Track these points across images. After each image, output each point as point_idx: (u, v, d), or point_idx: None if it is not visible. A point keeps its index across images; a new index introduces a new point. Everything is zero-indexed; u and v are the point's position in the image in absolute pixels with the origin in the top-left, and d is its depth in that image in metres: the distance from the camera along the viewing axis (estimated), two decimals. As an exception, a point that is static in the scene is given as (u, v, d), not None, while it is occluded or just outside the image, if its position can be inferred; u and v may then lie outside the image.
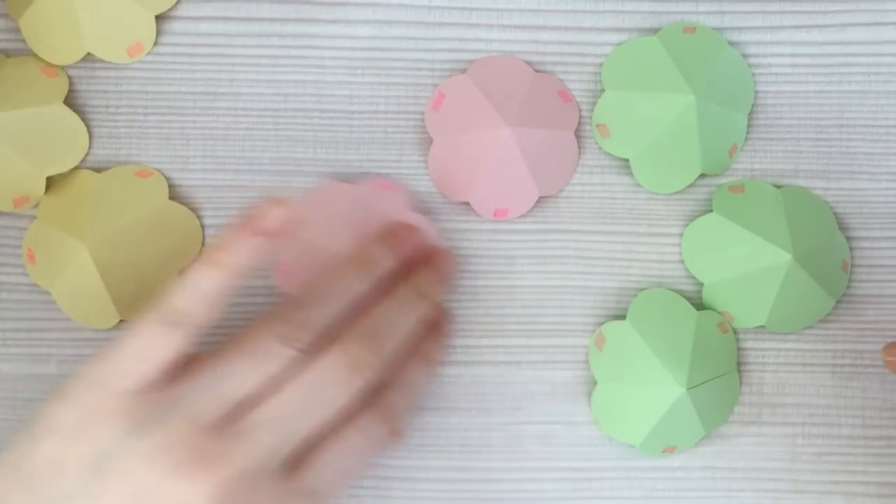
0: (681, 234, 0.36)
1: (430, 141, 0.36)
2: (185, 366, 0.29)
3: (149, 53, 0.36)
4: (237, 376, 0.29)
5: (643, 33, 0.36)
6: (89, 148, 0.36)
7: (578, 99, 0.36)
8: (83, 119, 0.36)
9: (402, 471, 0.36)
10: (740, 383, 0.36)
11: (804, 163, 0.37)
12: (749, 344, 0.36)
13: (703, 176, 0.36)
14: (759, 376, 0.36)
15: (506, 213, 0.36)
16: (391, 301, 0.32)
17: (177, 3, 0.36)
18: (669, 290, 0.36)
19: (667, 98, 0.35)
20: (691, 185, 0.36)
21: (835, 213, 0.36)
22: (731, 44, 0.36)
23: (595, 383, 0.35)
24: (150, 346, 0.29)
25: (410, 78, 0.36)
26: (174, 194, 0.36)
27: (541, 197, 0.36)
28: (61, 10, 0.35)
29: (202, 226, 0.36)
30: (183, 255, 0.35)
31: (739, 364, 0.36)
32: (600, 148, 0.36)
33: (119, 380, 0.28)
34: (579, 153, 0.36)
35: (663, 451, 0.35)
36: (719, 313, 0.36)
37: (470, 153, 0.35)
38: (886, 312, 0.36)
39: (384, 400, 0.32)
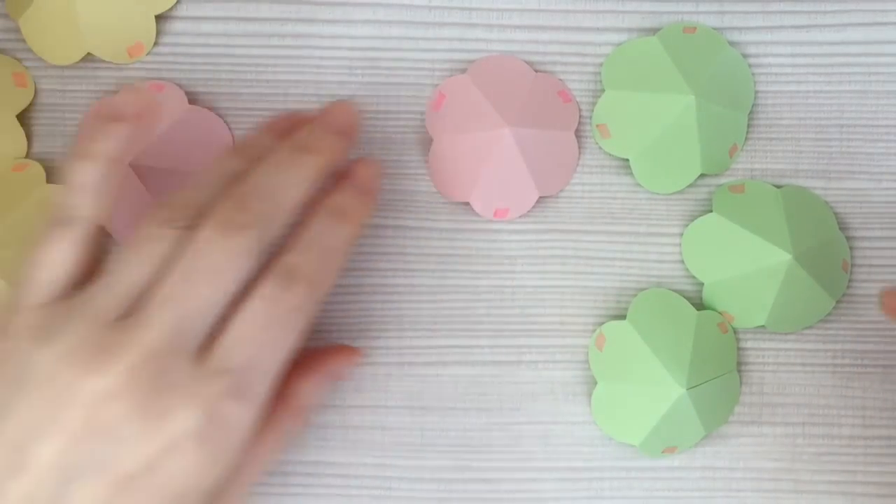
0: (681, 234, 0.36)
1: (430, 141, 0.36)
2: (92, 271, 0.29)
3: (149, 53, 0.36)
4: (128, 267, 0.28)
5: (643, 33, 0.36)
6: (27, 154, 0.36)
7: (578, 99, 0.36)
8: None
9: (402, 471, 0.36)
10: (740, 383, 0.36)
11: (804, 163, 0.37)
12: (749, 344, 0.36)
13: (703, 176, 0.36)
14: (759, 376, 0.36)
15: (506, 212, 0.36)
16: (265, 161, 0.30)
17: (177, 3, 0.36)
18: (669, 290, 0.36)
19: (667, 98, 0.35)
20: (691, 185, 0.36)
21: (835, 213, 0.36)
22: (731, 44, 0.36)
23: (595, 383, 0.35)
24: (50, 251, 0.29)
25: (410, 78, 0.36)
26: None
27: (541, 197, 0.36)
28: (61, 10, 0.35)
29: None
30: None
31: (739, 364, 0.36)
32: (600, 148, 0.36)
33: (30, 295, 0.28)
34: (579, 153, 0.36)
35: (663, 452, 0.35)
36: (719, 313, 0.36)
37: (470, 153, 0.35)
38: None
39: (280, 263, 0.29)
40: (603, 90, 0.36)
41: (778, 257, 0.34)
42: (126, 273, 0.28)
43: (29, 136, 0.36)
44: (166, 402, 0.27)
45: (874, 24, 0.37)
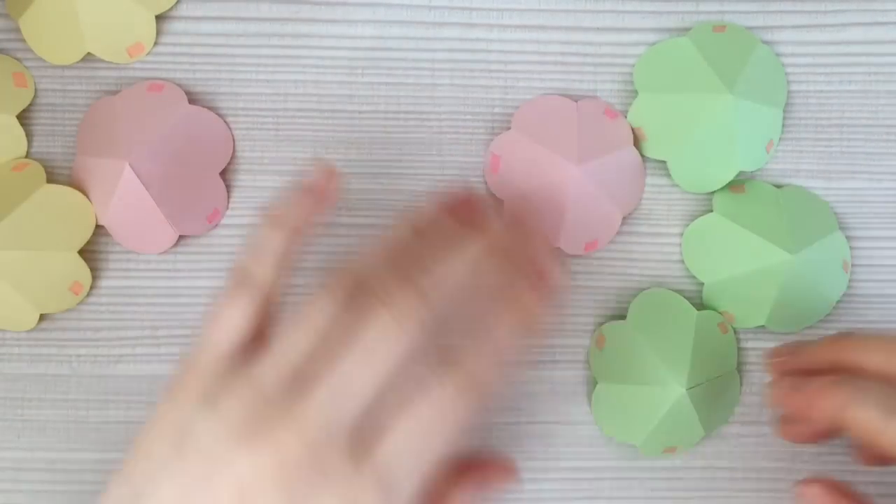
0: (681, 234, 0.36)
1: (499, 202, 0.36)
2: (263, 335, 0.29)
3: (149, 53, 0.36)
4: (293, 341, 0.28)
5: (643, 33, 0.36)
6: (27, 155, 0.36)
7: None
8: (70, 141, 0.36)
9: (402, 471, 0.36)
10: (741, 383, 0.36)
11: (804, 163, 0.37)
12: (749, 344, 0.36)
13: (739, 173, 0.36)
14: (759, 376, 0.36)
15: (595, 244, 0.36)
16: (447, 250, 0.29)
17: (177, 3, 0.36)
18: (669, 289, 0.36)
19: (704, 98, 0.35)
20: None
21: (835, 213, 0.36)
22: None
23: (595, 383, 0.35)
24: (229, 314, 0.29)
25: (410, 78, 0.36)
26: (174, 194, 0.36)
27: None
28: (61, 10, 0.35)
29: (89, 201, 0.35)
30: (77, 234, 0.35)
31: (740, 364, 0.36)
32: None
33: (205, 353, 0.28)
34: (644, 163, 0.36)
35: (664, 452, 0.35)
36: (720, 313, 0.36)
37: (545, 203, 0.35)
38: (886, 312, 0.36)
39: (458, 366, 0.28)
40: (636, 93, 0.36)
41: (778, 257, 0.34)
42: (290, 347, 0.28)
43: (29, 136, 0.36)
44: (314, 499, 0.26)
45: (874, 24, 0.37)
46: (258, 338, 0.29)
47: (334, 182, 0.31)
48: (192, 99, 0.36)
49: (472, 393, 0.28)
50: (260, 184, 0.36)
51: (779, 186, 0.36)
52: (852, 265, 0.36)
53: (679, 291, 0.36)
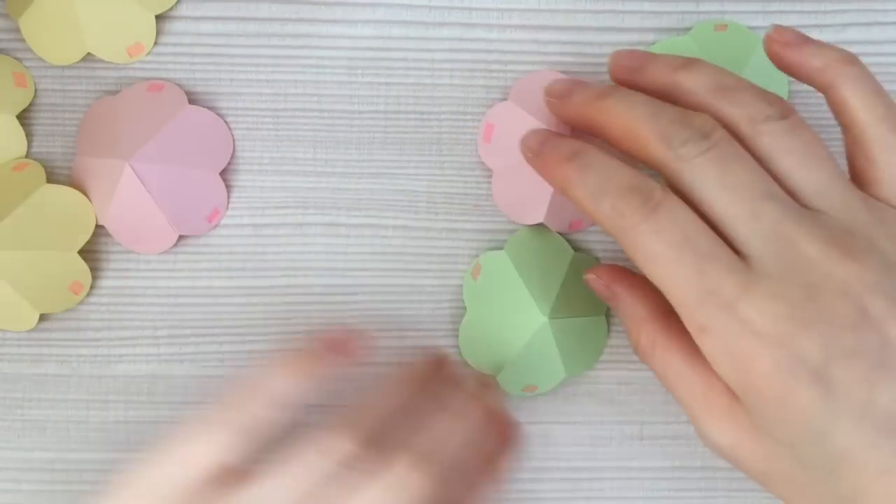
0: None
1: (488, 172, 0.36)
2: (228, 477, 0.28)
3: (149, 53, 0.36)
4: (272, 494, 0.27)
5: (643, 33, 0.36)
6: (27, 153, 0.36)
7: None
8: (70, 141, 0.36)
9: (402, 471, 0.36)
10: (608, 331, 0.36)
11: (804, 163, 0.37)
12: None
13: None
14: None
15: (580, 224, 0.36)
16: (450, 415, 0.30)
17: (177, 3, 0.36)
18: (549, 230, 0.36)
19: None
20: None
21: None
22: (732, 44, 0.36)
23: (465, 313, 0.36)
24: (198, 451, 0.28)
25: (410, 78, 0.36)
26: (174, 194, 0.36)
27: None
28: (61, 10, 0.35)
29: (89, 201, 0.35)
30: (77, 234, 0.35)
31: (609, 312, 0.36)
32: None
33: (157, 485, 0.27)
34: None
35: (524, 390, 0.35)
36: (596, 258, 0.36)
37: (533, 177, 0.35)
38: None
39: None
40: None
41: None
42: (276, 493, 0.27)
43: (29, 136, 0.36)
44: None
45: (874, 23, 0.37)
46: (235, 473, 0.28)
47: (356, 343, 0.31)
48: (192, 99, 0.36)
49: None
50: (260, 184, 0.36)
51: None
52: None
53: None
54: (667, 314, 0.30)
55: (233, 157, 0.36)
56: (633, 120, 0.28)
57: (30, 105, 0.36)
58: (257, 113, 0.36)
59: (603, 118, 0.30)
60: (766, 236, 0.27)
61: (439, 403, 0.30)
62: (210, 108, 0.36)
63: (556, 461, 0.36)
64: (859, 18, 0.37)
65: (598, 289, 0.33)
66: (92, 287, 0.36)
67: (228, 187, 0.36)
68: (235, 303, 0.36)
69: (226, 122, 0.36)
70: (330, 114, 0.36)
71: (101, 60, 0.36)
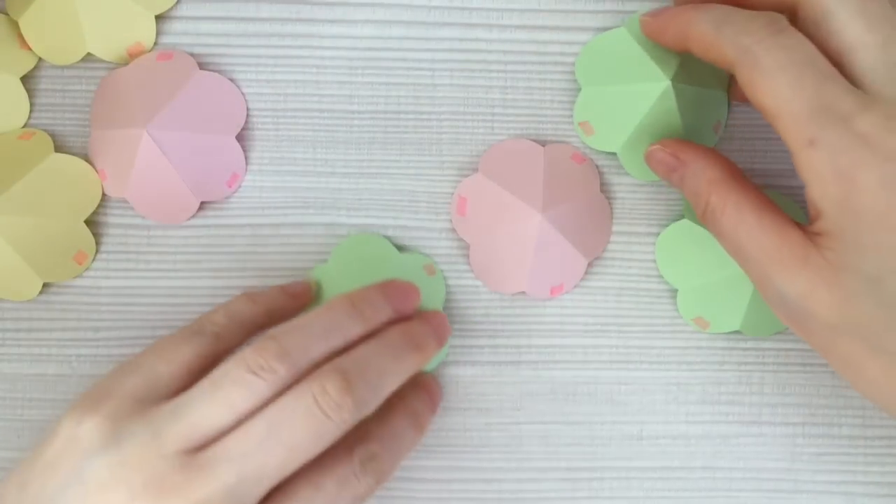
0: (649, 233, 0.36)
1: (466, 246, 0.36)
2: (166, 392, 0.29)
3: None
4: (204, 405, 0.27)
5: (643, 33, 0.36)
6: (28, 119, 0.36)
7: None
8: (85, 119, 0.36)
9: (402, 471, 0.36)
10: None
11: (804, 163, 0.37)
12: (749, 344, 0.36)
13: None
14: (759, 376, 0.36)
15: (561, 288, 0.36)
16: (378, 342, 0.30)
17: (177, 3, 0.36)
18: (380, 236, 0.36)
19: (643, 87, 0.35)
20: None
21: (802, 211, 0.36)
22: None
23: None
24: (178, 349, 0.29)
25: (410, 78, 0.36)
26: (174, 194, 0.36)
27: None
28: (61, 10, 0.35)
29: (95, 169, 0.35)
30: (83, 203, 0.35)
31: (446, 304, 0.36)
32: (592, 150, 0.36)
33: (127, 386, 0.28)
34: (610, 206, 0.36)
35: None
36: (427, 256, 0.36)
37: (510, 247, 0.35)
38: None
39: (365, 450, 0.30)
40: (579, 88, 0.36)
41: None
42: (199, 409, 0.27)
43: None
44: None
45: (874, 23, 0.37)
46: (183, 380, 0.29)
47: (308, 297, 0.35)
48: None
49: (380, 481, 0.30)
50: (259, 184, 0.36)
51: None
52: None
53: (654, 291, 0.36)
54: (736, 175, 0.30)
55: (247, 122, 0.36)
56: None
57: (30, 105, 0.36)
58: (257, 113, 0.36)
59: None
60: (891, 65, 0.27)
61: (373, 334, 0.31)
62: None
63: (556, 461, 0.36)
64: (859, 18, 0.37)
65: (663, 158, 0.33)
66: (94, 287, 0.36)
67: (245, 154, 0.36)
68: (235, 303, 0.36)
69: (237, 85, 0.36)
70: (330, 114, 0.36)
71: (101, 60, 0.36)
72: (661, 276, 0.36)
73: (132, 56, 0.36)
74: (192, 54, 0.36)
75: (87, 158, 0.36)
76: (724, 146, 0.36)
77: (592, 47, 0.36)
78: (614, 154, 0.36)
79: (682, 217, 0.36)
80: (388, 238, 0.36)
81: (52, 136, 0.36)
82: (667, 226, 0.36)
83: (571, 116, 0.36)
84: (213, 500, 0.26)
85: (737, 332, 0.36)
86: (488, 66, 0.37)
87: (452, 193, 0.36)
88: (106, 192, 0.36)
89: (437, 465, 0.36)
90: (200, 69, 0.35)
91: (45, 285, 0.35)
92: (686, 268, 0.35)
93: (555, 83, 0.37)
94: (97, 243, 0.36)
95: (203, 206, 0.36)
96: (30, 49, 0.36)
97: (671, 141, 0.33)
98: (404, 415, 0.32)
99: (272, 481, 0.27)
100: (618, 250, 0.36)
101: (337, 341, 0.30)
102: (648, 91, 0.35)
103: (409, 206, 0.36)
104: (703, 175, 0.31)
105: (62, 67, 0.36)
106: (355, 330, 0.30)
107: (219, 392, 0.28)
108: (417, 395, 0.33)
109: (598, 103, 0.35)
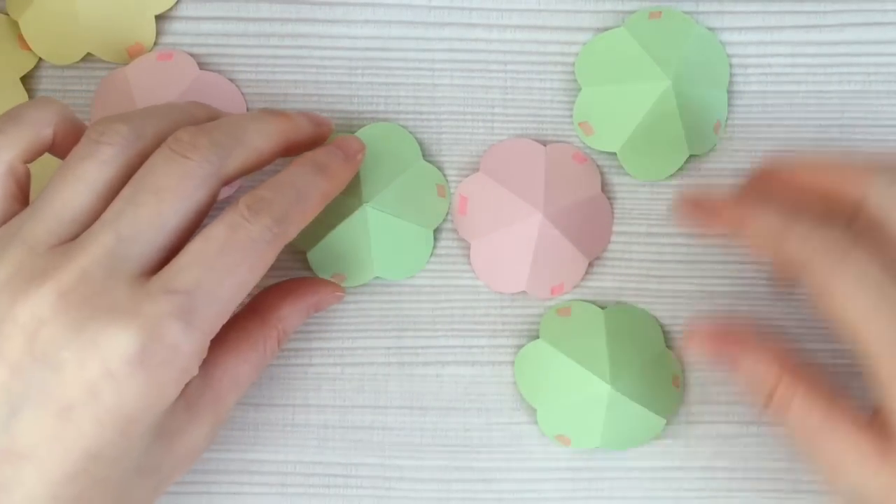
0: (681, 234, 0.36)
1: (466, 245, 0.36)
2: None
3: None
4: (60, 192, 0.27)
5: (643, 33, 0.36)
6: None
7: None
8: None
9: (402, 471, 0.36)
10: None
11: (804, 163, 0.37)
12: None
13: (692, 158, 0.36)
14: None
15: (561, 288, 0.36)
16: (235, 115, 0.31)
17: (177, 3, 0.36)
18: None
19: (643, 87, 0.35)
20: (685, 175, 0.36)
21: (663, 329, 0.36)
22: (730, 44, 0.36)
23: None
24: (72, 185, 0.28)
25: (410, 78, 0.36)
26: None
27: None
28: (61, 10, 0.35)
29: None
30: None
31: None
32: (591, 149, 0.36)
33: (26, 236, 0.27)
34: (611, 206, 0.36)
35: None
36: (443, 175, 0.36)
37: (511, 247, 0.35)
38: (886, 312, 0.36)
39: (250, 195, 0.28)
40: (579, 88, 0.36)
41: (598, 387, 0.34)
42: (61, 195, 0.27)
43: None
44: (101, 325, 0.25)
45: (874, 24, 0.37)
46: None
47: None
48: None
49: (280, 222, 0.28)
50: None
51: (602, 307, 0.36)
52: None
53: (682, 289, 0.36)
54: (799, 366, 0.30)
55: None
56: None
57: (30, 105, 0.36)
58: (257, 113, 0.36)
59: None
60: None
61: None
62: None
63: (556, 461, 0.36)
64: (859, 18, 0.37)
65: (707, 354, 0.31)
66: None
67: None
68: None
69: (237, 85, 0.36)
70: (330, 114, 0.36)
71: (101, 60, 0.36)
72: (660, 277, 0.36)
73: (132, 56, 0.36)
74: (192, 54, 0.36)
75: None
76: (724, 146, 0.36)
77: (592, 47, 0.36)
78: (614, 154, 0.36)
79: (537, 337, 0.36)
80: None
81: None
82: (522, 344, 0.36)
83: (571, 116, 0.36)
84: (99, 264, 0.26)
85: (598, 447, 0.36)
86: (488, 66, 0.37)
87: (452, 193, 0.36)
88: None
89: (437, 465, 0.36)
90: (200, 69, 0.36)
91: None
92: (544, 387, 0.35)
93: (555, 83, 0.37)
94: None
95: (203, 206, 0.36)
96: (30, 49, 0.36)
97: (709, 332, 0.31)
98: (303, 161, 0.31)
99: (150, 234, 0.27)
100: (618, 250, 0.36)
101: (180, 116, 0.30)
102: (649, 91, 0.35)
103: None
104: (764, 369, 0.29)
105: (62, 67, 0.36)
106: (201, 112, 0.30)
107: (70, 174, 0.27)
108: (325, 149, 0.32)
109: (598, 103, 0.35)
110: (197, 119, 0.30)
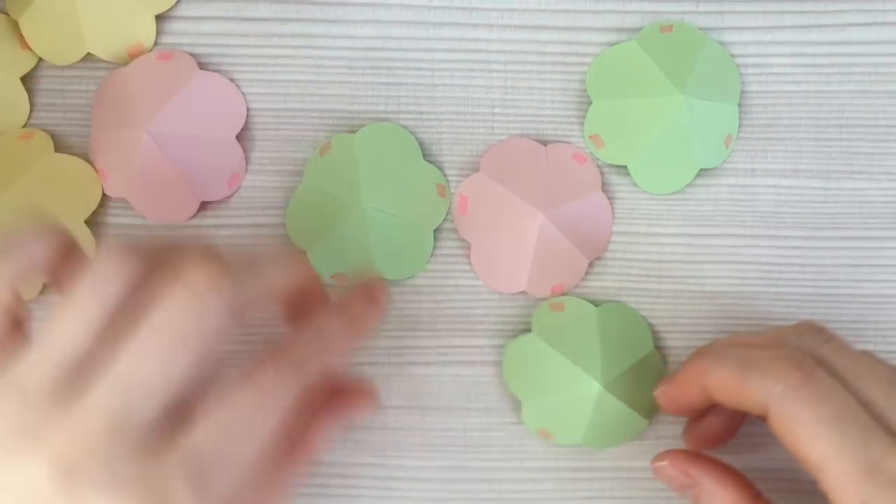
0: (682, 235, 0.36)
1: (467, 245, 0.36)
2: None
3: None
4: (64, 330, 0.24)
5: (643, 33, 0.36)
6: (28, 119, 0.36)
7: (578, 99, 0.36)
8: (85, 119, 0.36)
9: (402, 471, 0.36)
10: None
11: (804, 162, 0.37)
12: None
13: (702, 171, 0.36)
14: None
15: (562, 287, 0.36)
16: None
17: (177, 3, 0.36)
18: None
19: (656, 101, 0.35)
20: (690, 185, 0.36)
21: (652, 329, 0.36)
22: (730, 44, 0.36)
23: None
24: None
25: (410, 78, 0.36)
26: (174, 194, 0.36)
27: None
28: (61, 10, 0.35)
29: (95, 170, 0.35)
30: (83, 203, 0.35)
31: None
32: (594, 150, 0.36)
33: None
34: (612, 206, 0.36)
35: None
36: (443, 174, 0.36)
37: (511, 246, 0.35)
38: (886, 312, 0.36)
39: (282, 350, 0.26)
40: (590, 101, 0.36)
41: (588, 386, 0.34)
42: (62, 336, 0.24)
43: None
44: (105, 501, 0.23)
45: (874, 24, 0.37)
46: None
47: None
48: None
49: (293, 377, 0.26)
50: (259, 184, 0.36)
51: (596, 304, 0.36)
52: (857, 265, 0.36)
53: (682, 288, 0.36)
54: (755, 496, 0.30)
55: (247, 122, 0.36)
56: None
57: (30, 105, 0.36)
58: (257, 113, 0.36)
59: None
60: None
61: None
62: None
63: (556, 461, 0.36)
64: (859, 18, 0.37)
65: (672, 475, 0.32)
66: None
67: (246, 153, 0.36)
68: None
69: (237, 85, 0.36)
70: (330, 114, 0.36)
71: (101, 60, 0.36)
72: (660, 277, 0.36)
73: (132, 56, 0.36)
74: (192, 54, 0.36)
75: (87, 158, 0.36)
76: (749, 146, 0.36)
77: (603, 60, 0.36)
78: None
79: (529, 330, 0.35)
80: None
81: (52, 136, 0.36)
82: (514, 337, 0.36)
83: (571, 116, 0.36)
84: (107, 427, 0.23)
85: (579, 444, 0.35)
86: (488, 66, 0.37)
87: (452, 193, 0.36)
88: (106, 192, 0.36)
89: (437, 465, 0.36)
90: (200, 69, 0.36)
91: (45, 285, 0.35)
92: (531, 381, 0.35)
93: (555, 83, 0.37)
94: (97, 243, 0.36)
95: (203, 206, 0.36)
96: (30, 49, 0.36)
97: (678, 453, 0.32)
98: (335, 315, 0.28)
99: (159, 391, 0.24)
100: (618, 250, 0.36)
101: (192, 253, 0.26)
102: (660, 105, 0.35)
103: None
104: (720, 497, 0.30)
105: (62, 67, 0.36)
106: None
107: (69, 312, 0.24)
108: (358, 300, 0.30)
109: (609, 116, 0.35)
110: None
